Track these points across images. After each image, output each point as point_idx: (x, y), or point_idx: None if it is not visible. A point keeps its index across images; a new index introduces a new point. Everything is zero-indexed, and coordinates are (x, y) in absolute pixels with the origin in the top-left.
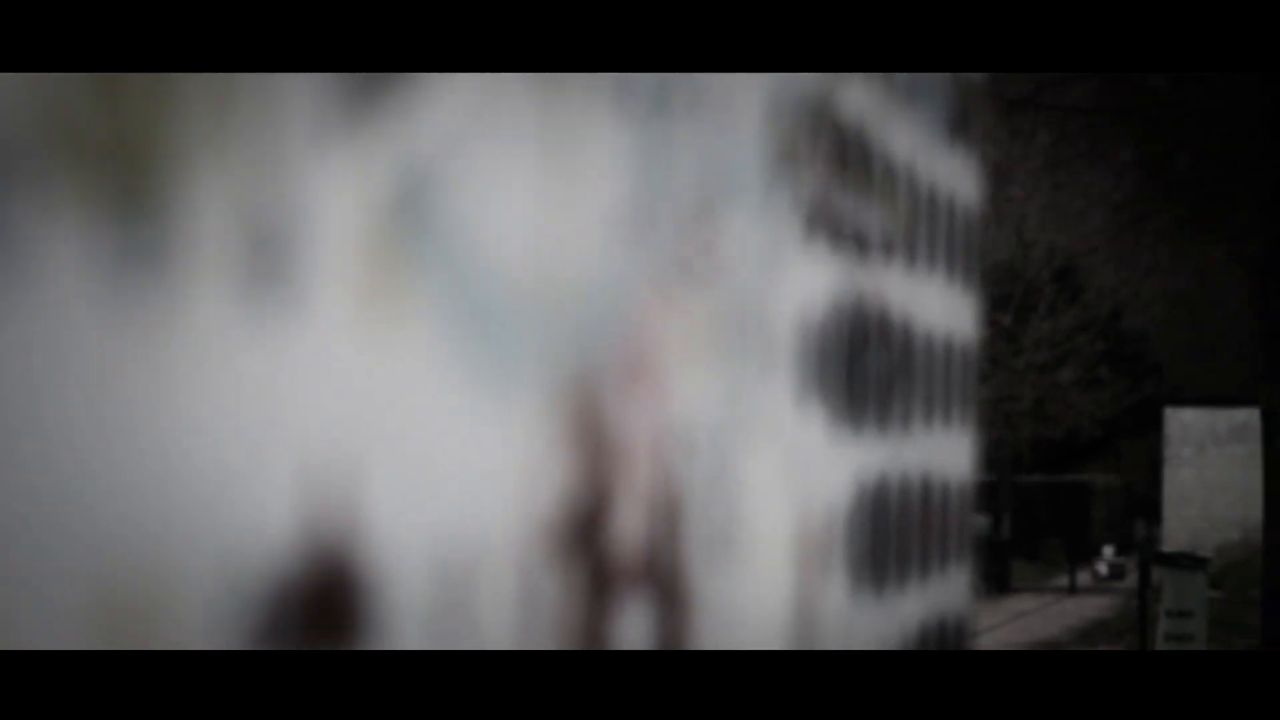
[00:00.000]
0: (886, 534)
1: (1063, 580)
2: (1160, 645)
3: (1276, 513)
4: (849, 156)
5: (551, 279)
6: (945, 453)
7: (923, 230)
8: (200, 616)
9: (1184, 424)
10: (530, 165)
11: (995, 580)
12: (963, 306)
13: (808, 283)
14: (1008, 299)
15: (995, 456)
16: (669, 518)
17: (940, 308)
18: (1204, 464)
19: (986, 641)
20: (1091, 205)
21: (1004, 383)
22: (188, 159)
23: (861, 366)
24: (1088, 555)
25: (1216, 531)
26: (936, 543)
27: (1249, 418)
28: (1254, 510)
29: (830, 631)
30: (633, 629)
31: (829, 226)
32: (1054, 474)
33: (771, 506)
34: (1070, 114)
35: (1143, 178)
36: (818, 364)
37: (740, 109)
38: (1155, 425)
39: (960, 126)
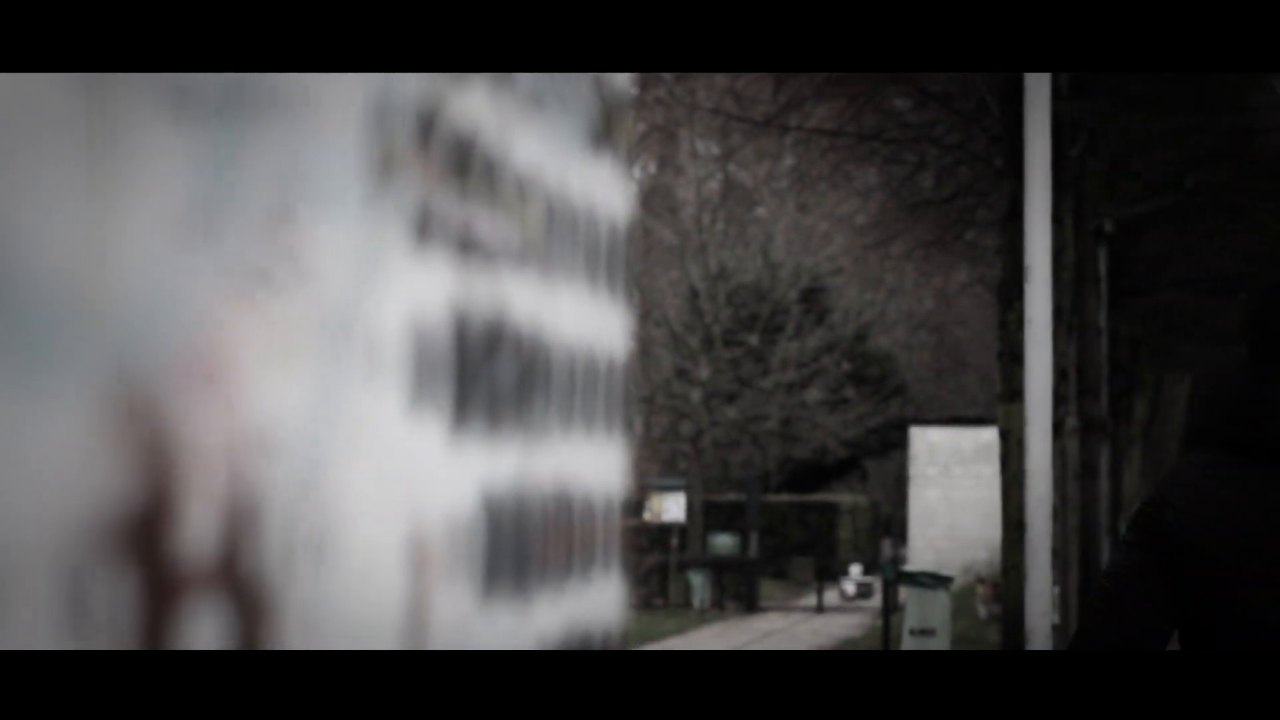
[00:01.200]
0: (516, 543)
1: (810, 599)
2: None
3: (1014, 532)
4: (465, 163)
5: (103, 282)
6: (586, 463)
7: (559, 240)
8: None
9: (929, 444)
10: (77, 167)
11: (743, 600)
12: (608, 318)
13: (420, 290)
14: (754, 319)
15: (743, 477)
16: (245, 523)
17: (579, 318)
18: (949, 483)
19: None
20: (836, 227)
21: (751, 403)
22: None
23: (484, 375)
24: (835, 574)
25: (962, 550)
26: (579, 553)
27: (993, 437)
28: (999, 529)
29: (449, 639)
30: (203, 634)
31: (444, 234)
32: (802, 494)
33: (376, 513)
34: (815, 136)
35: (886, 200)
36: (433, 372)
37: (332, 112)
38: (901, 445)
39: (604, 136)
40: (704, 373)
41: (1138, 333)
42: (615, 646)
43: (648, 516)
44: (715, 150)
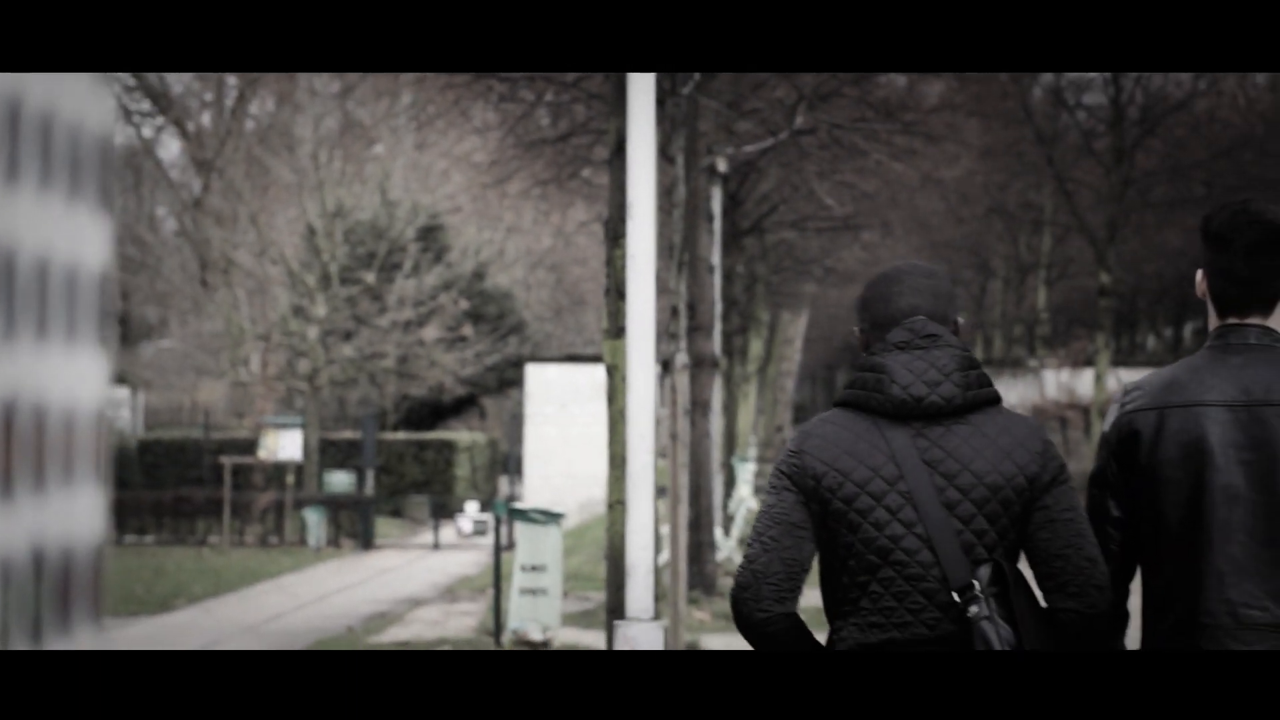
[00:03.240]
0: None
1: (427, 537)
2: (515, 599)
3: (618, 467)
4: None
5: None
6: (62, 374)
7: (28, 150)
8: None
9: (546, 381)
10: None
11: (360, 538)
12: (89, 231)
13: None
14: (372, 257)
15: (360, 414)
16: None
17: (56, 230)
18: (566, 421)
19: (350, 598)
20: (455, 165)
21: (368, 341)
22: None
23: None
24: (453, 512)
25: (579, 487)
26: (51, 463)
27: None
28: None
29: None
30: None
31: None
32: (419, 431)
33: None
34: (431, 74)
35: (504, 138)
36: None
37: None
38: (519, 383)
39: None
40: (321, 310)
41: (753, 271)
42: (94, 559)
43: (263, 454)
44: (334, 87)
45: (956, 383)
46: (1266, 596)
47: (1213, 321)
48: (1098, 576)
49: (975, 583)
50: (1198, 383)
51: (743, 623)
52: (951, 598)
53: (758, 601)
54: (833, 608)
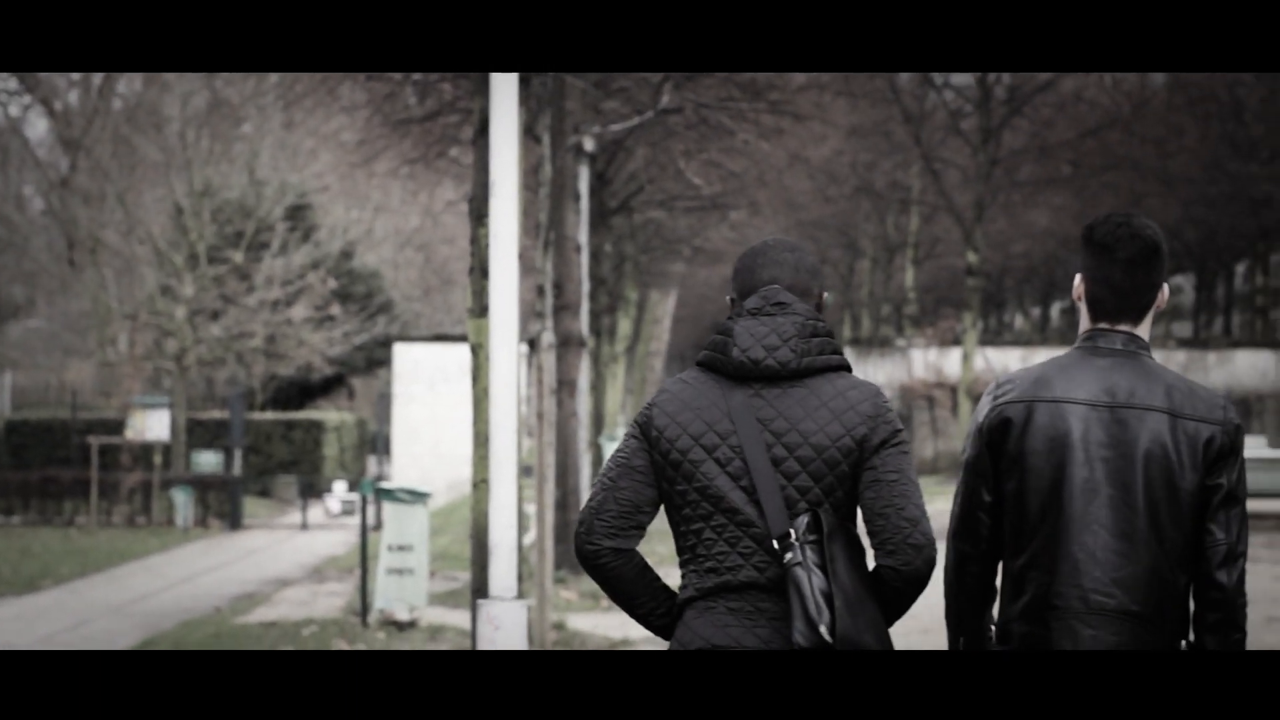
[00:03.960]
0: None
1: (296, 517)
2: (382, 579)
3: (482, 446)
4: None
5: None
6: None
7: None
8: None
9: (414, 360)
10: None
11: (228, 518)
12: None
13: None
14: (239, 236)
15: (228, 394)
16: None
17: None
18: (434, 400)
19: (217, 578)
20: (323, 144)
21: (236, 320)
22: None
23: None
24: (321, 492)
25: (447, 467)
26: None
27: None
28: None
29: None
30: None
31: None
32: (287, 411)
33: None
34: None
35: (371, 116)
36: None
37: None
38: (386, 362)
39: None
40: (188, 290)
41: (622, 250)
42: None
43: (131, 434)
44: None
45: (794, 348)
46: (1115, 585)
47: (1085, 324)
48: (916, 536)
49: (791, 531)
50: (1066, 380)
51: (579, 555)
52: (774, 543)
53: (589, 535)
54: (680, 554)
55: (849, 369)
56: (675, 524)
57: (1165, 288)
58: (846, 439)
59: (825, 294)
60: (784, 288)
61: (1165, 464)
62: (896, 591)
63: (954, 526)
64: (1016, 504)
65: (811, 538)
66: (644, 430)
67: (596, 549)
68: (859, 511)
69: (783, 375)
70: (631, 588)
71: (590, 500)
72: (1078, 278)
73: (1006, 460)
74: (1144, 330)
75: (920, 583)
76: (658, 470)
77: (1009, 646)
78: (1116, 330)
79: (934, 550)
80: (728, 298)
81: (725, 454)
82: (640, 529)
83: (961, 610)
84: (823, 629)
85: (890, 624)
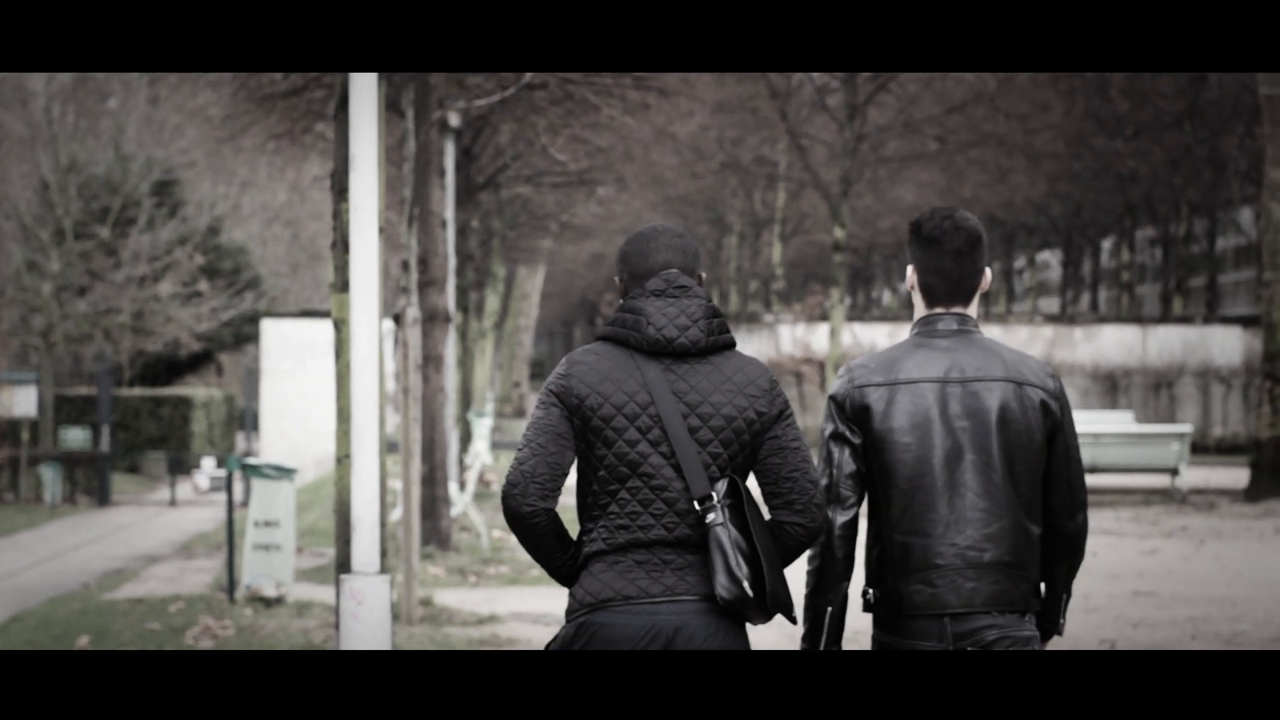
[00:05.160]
0: None
1: (165, 494)
2: (249, 555)
3: (346, 422)
4: None
5: None
6: None
7: None
8: None
9: (282, 336)
10: None
11: (96, 494)
12: None
13: None
14: (106, 212)
15: (95, 370)
16: None
17: None
18: (303, 376)
19: (86, 555)
20: (189, 119)
21: (103, 296)
22: None
23: None
24: (189, 469)
25: (316, 443)
26: None
27: None
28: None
29: None
30: None
31: None
32: (155, 388)
33: None
34: None
35: (238, 91)
36: None
37: None
38: (254, 338)
39: None
40: (55, 265)
41: (489, 226)
42: None
43: None
44: None
45: (701, 329)
46: (986, 540)
47: (920, 310)
48: (818, 496)
49: (714, 494)
50: (915, 363)
51: (511, 515)
52: (690, 505)
53: (525, 497)
54: (585, 511)
55: (736, 345)
56: (588, 484)
57: (988, 271)
58: (750, 411)
59: (702, 274)
60: (679, 270)
61: (1015, 427)
62: (797, 546)
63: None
64: (887, 477)
65: (729, 500)
66: (562, 399)
67: (533, 509)
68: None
69: (692, 352)
70: (552, 542)
71: (520, 465)
72: (909, 269)
73: (872, 438)
74: (972, 310)
75: (818, 535)
76: (577, 435)
77: (892, 607)
78: (950, 313)
79: (827, 509)
80: (617, 279)
81: (645, 422)
82: (560, 490)
83: (829, 575)
84: (745, 583)
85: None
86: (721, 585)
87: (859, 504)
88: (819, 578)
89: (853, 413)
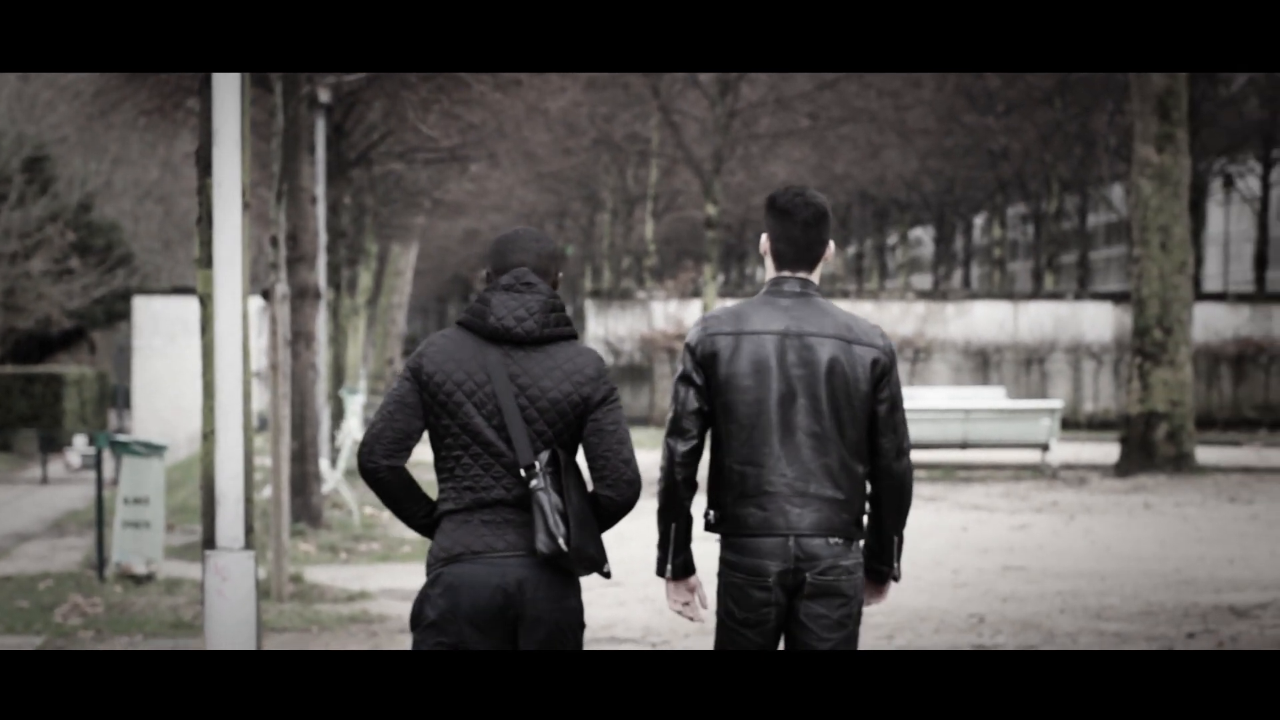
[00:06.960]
0: None
1: (36, 471)
2: (118, 532)
3: (210, 398)
4: None
5: None
6: None
7: None
8: None
9: (154, 313)
10: None
11: None
12: None
13: None
14: None
15: None
16: None
17: None
18: (176, 353)
19: None
20: (59, 95)
21: None
22: None
23: None
24: (61, 447)
25: (189, 421)
26: None
27: None
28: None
29: None
30: None
31: None
32: (26, 365)
33: None
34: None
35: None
36: None
37: None
38: (126, 315)
39: None
40: None
41: (361, 203)
42: None
43: None
44: None
45: (538, 321)
46: (811, 474)
47: (770, 273)
48: (629, 474)
49: (536, 463)
50: (761, 317)
51: (361, 471)
52: (522, 471)
53: (370, 455)
54: (439, 474)
55: (576, 338)
56: (438, 450)
57: (831, 244)
58: (575, 395)
59: (560, 274)
60: (530, 269)
61: (843, 378)
62: (612, 514)
63: (669, 428)
64: (727, 416)
65: (550, 469)
66: (415, 374)
67: (376, 466)
68: (580, 449)
69: (528, 341)
70: (403, 494)
71: (371, 428)
72: (764, 237)
73: (718, 380)
74: (815, 277)
75: (629, 507)
76: (426, 407)
77: (728, 527)
78: (795, 276)
79: (640, 484)
80: (483, 273)
81: (481, 399)
82: (408, 451)
83: (674, 495)
84: (560, 540)
85: (602, 534)
86: (541, 541)
87: (699, 437)
88: (665, 498)
89: (703, 357)
